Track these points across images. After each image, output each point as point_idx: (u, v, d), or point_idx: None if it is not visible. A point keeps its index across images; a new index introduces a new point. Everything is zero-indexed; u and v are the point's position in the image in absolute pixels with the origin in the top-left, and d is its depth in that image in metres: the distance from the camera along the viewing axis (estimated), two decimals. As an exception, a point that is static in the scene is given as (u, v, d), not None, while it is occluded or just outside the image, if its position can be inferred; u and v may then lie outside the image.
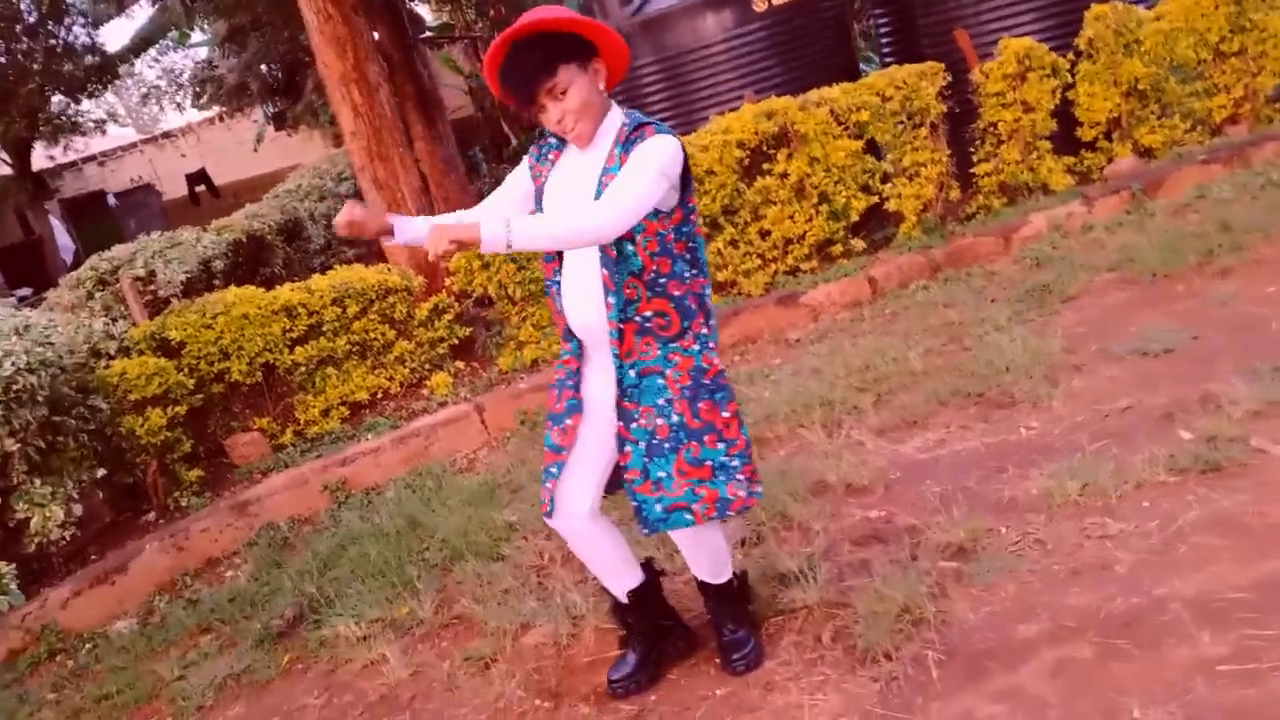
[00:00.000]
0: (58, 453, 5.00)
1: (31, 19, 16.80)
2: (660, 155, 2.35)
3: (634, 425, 2.55)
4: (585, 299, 2.52)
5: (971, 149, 6.85)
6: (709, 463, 2.55)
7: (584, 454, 2.65)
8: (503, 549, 3.92)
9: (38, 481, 4.64)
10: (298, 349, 5.72)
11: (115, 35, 27.60)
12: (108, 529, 5.22)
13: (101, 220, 22.84)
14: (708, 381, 2.57)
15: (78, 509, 4.89)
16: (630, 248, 2.45)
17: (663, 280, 2.49)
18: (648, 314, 2.51)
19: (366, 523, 4.53)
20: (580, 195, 2.46)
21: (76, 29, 17.45)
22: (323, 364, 5.82)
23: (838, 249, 6.47)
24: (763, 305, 5.75)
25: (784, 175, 6.30)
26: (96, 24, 17.49)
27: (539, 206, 2.57)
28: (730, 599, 2.84)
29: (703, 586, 2.83)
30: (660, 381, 2.53)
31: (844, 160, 6.35)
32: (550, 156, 2.58)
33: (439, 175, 10.58)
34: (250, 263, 9.19)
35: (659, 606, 2.89)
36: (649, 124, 2.44)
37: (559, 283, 2.58)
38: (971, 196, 6.88)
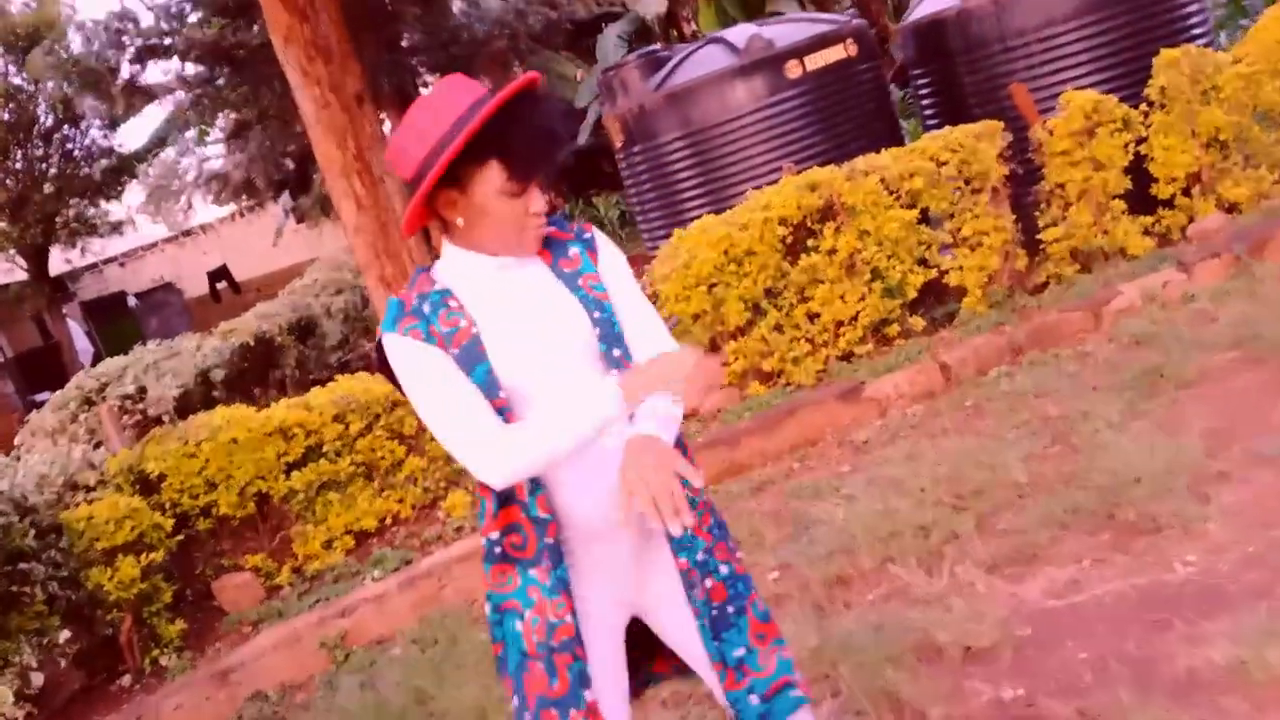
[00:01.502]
0: (18, 609, 4.33)
1: (47, 123, 16.73)
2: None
3: (693, 594, 1.85)
4: (600, 476, 1.76)
5: (1037, 213, 6.17)
6: (772, 617, 1.92)
7: (610, 692, 1.88)
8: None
9: (-15, 654, 3.96)
10: (295, 474, 5.05)
11: (132, 135, 27.85)
12: (77, 698, 4.51)
13: (122, 321, 22.64)
14: (718, 515, 1.97)
15: (38, 679, 4.20)
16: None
17: None
18: None
19: (367, 693, 3.79)
20: (562, 321, 1.80)
21: (93, 132, 17.37)
22: (324, 489, 5.13)
23: (894, 329, 5.77)
24: (822, 400, 5.02)
25: (832, 251, 5.64)
26: (112, 126, 17.39)
27: (480, 356, 1.73)
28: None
29: None
30: (689, 531, 1.84)
31: (897, 232, 5.68)
32: (449, 304, 1.76)
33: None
34: (259, 367, 8.64)
35: None
36: (558, 220, 1.90)
37: (531, 481, 1.77)
38: (1040, 265, 6.16)
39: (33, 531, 4.44)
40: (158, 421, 6.28)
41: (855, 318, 5.67)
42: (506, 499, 1.77)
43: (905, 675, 2.79)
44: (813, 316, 5.68)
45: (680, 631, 1.90)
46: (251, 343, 8.45)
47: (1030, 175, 6.20)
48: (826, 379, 5.46)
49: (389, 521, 5.31)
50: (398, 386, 1.78)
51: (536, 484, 1.75)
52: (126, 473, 4.91)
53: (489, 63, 11.28)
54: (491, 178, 1.70)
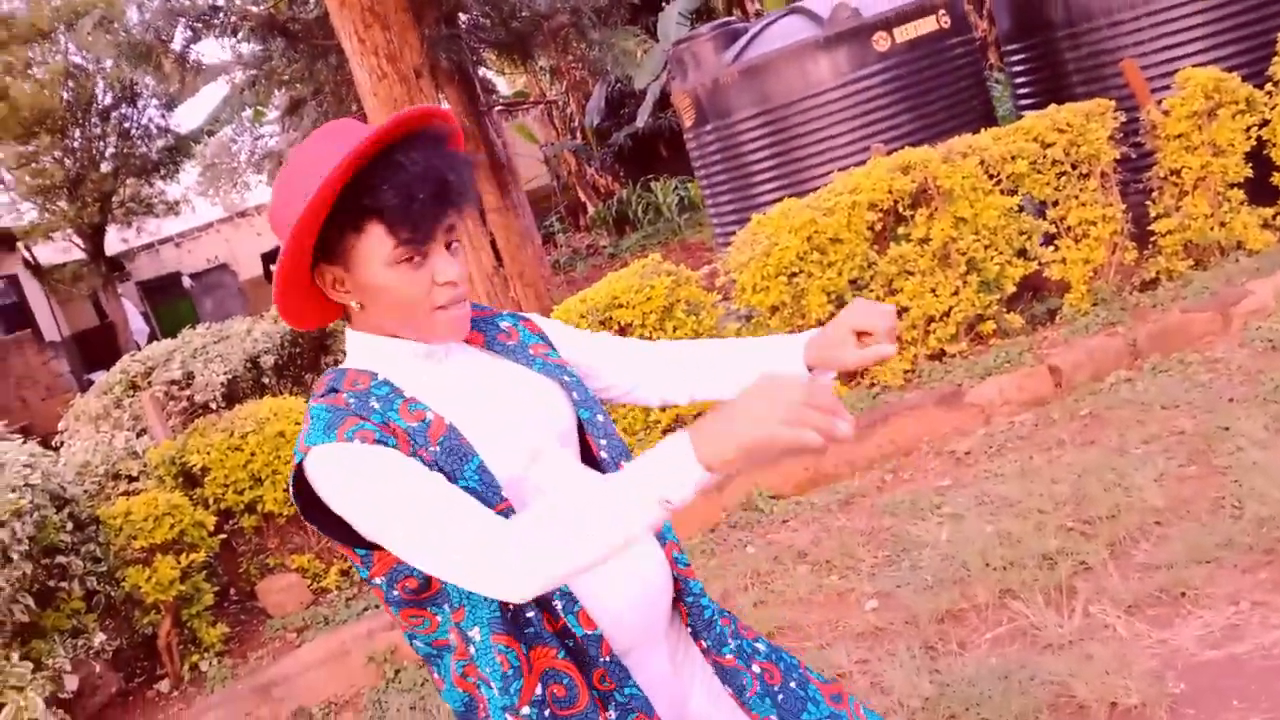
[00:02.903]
0: (53, 607, 4.07)
1: (105, 101, 16.70)
2: None
3: (747, 695, 1.45)
4: (618, 566, 1.36)
5: (1148, 202, 5.65)
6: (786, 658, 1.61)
7: None
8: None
9: (15, 657, 3.69)
10: (345, 469, 4.73)
11: (189, 115, 27.97)
12: (113, 703, 4.25)
13: (177, 302, 22.77)
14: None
15: (72, 682, 3.93)
16: (608, 416, 1.54)
17: None
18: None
19: (418, 716, 3.45)
20: (530, 390, 1.42)
21: (150, 111, 17.32)
22: (375, 485, 4.81)
23: (989, 326, 5.30)
24: (918, 405, 4.58)
25: (924, 240, 5.18)
26: (169, 106, 17.33)
27: (468, 451, 1.29)
28: None
29: None
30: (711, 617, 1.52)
31: (996, 220, 5.21)
32: (397, 405, 1.31)
33: (514, 249, 9.71)
34: (311, 352, 8.36)
35: None
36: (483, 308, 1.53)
37: (563, 593, 1.34)
38: (1150, 259, 5.64)
39: (71, 524, 4.18)
40: (205, 408, 6.02)
41: (948, 313, 5.22)
42: (534, 638, 1.30)
43: (1042, 736, 2.38)
44: (901, 311, 5.23)
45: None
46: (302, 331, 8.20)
47: (1141, 161, 5.68)
48: (915, 380, 5.02)
49: (443, 522, 4.98)
50: (325, 528, 1.30)
51: (571, 598, 1.31)
52: (168, 465, 4.64)
53: (549, 40, 10.93)
54: (374, 246, 1.28)
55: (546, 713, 1.29)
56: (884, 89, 6.16)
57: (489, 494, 1.27)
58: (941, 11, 6.38)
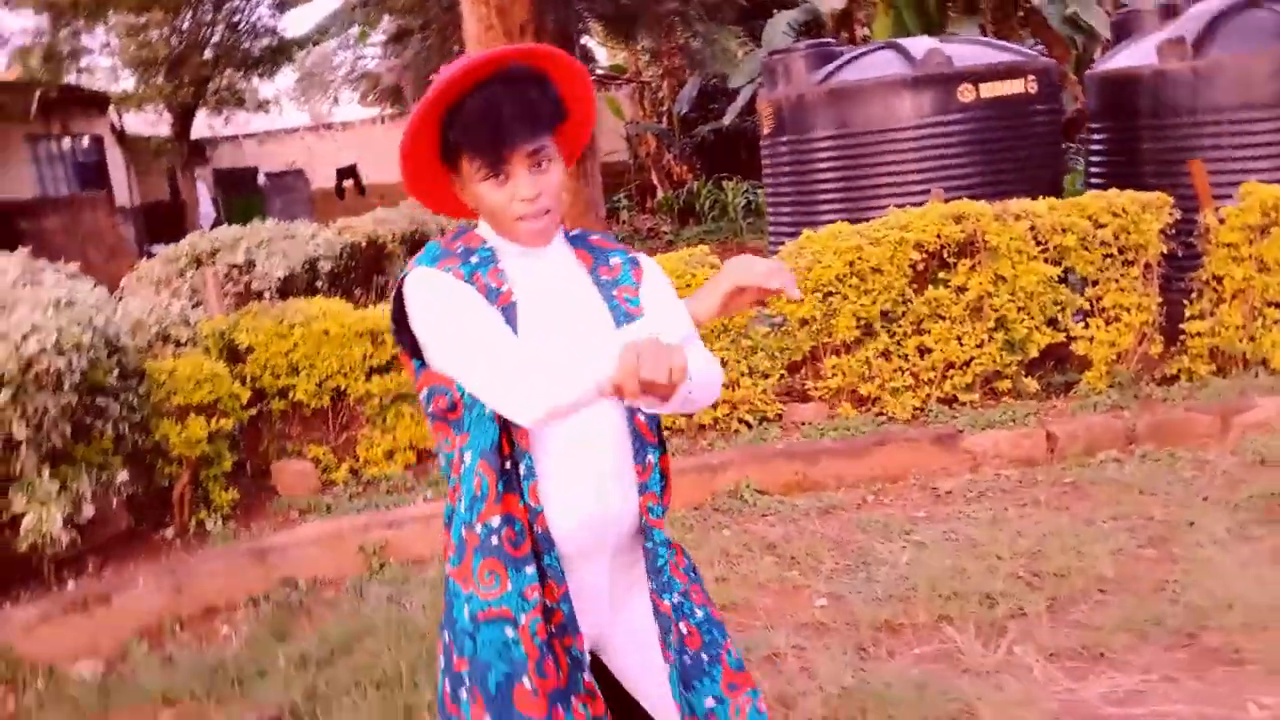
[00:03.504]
0: (86, 441, 4.41)
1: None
2: None
3: (669, 639, 1.71)
4: (595, 481, 1.65)
5: (1185, 301, 5.79)
6: (744, 665, 1.78)
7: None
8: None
9: (46, 475, 4.04)
10: (375, 379, 5.05)
11: (297, 22, 28.49)
12: (121, 537, 4.60)
13: (248, 195, 23.28)
14: (689, 558, 1.84)
15: (89, 510, 4.26)
16: None
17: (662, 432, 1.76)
18: (658, 476, 1.72)
19: (392, 608, 3.76)
20: (590, 320, 1.67)
21: (262, 9, 17.78)
22: (399, 400, 5.12)
23: (1005, 384, 5.49)
24: (915, 440, 4.81)
25: (961, 289, 5.39)
26: (280, 8, 17.78)
27: (513, 326, 1.62)
28: None
29: None
30: (661, 562, 1.74)
31: (1034, 286, 5.40)
32: (492, 268, 1.65)
33: (578, 215, 9.97)
34: (366, 268, 8.71)
35: None
36: (595, 234, 1.81)
37: (528, 467, 1.60)
38: (1174, 356, 5.80)
39: (117, 371, 4.52)
40: (258, 297, 6.37)
41: (968, 363, 5.42)
42: (509, 482, 1.60)
43: (938, 744, 2.62)
44: (924, 351, 5.44)
45: (645, 676, 1.75)
46: (363, 243, 8.52)
47: (1187, 260, 5.83)
48: (923, 418, 5.24)
49: (452, 448, 5.29)
50: (402, 340, 1.66)
51: (531, 471, 1.60)
52: (217, 337, 4.98)
53: (654, 21, 11.14)
54: (468, 166, 1.62)
55: (494, 541, 1.60)
56: (958, 138, 6.36)
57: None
58: (1032, 77, 6.56)
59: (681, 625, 1.73)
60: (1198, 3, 7.23)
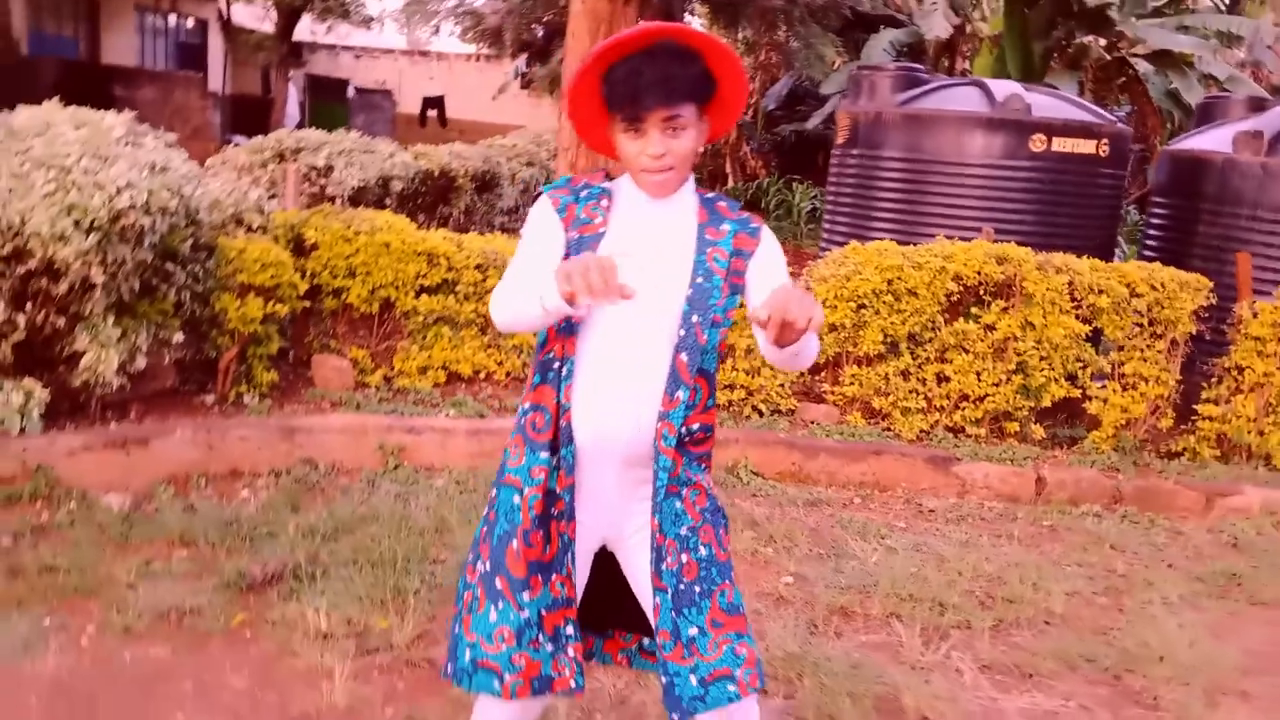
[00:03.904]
0: (152, 300, 4.76)
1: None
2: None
3: (663, 567, 1.97)
4: (630, 405, 1.92)
5: (1204, 384, 5.95)
6: (742, 611, 2.01)
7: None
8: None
9: (110, 320, 4.39)
10: (423, 297, 5.36)
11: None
12: (165, 394, 4.96)
13: (335, 105, 23.75)
14: (718, 504, 2.06)
15: (141, 362, 4.62)
16: (718, 339, 1.94)
17: (713, 388, 2.02)
18: (695, 426, 1.97)
19: (400, 504, 4.08)
20: (670, 264, 1.95)
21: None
22: (440, 322, 5.44)
23: (1014, 426, 5.69)
24: (910, 455, 5.04)
25: (990, 328, 5.58)
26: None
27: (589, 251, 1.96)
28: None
29: None
30: (678, 505, 1.98)
31: (1061, 339, 5.58)
32: (602, 203, 1.97)
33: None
34: (434, 196, 9.04)
35: None
36: (723, 201, 2.06)
37: (569, 370, 1.92)
38: (1182, 434, 5.97)
39: (190, 242, 4.85)
40: (330, 200, 6.71)
41: (982, 398, 5.62)
42: (546, 376, 1.94)
43: (857, 713, 2.88)
44: (942, 379, 5.65)
45: (644, 582, 2.01)
46: (436, 173, 8.84)
47: (1215, 345, 5.98)
48: (925, 441, 5.46)
49: (482, 376, 5.59)
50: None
51: (570, 374, 1.91)
52: (287, 229, 5.30)
53: (758, 14, 11.30)
54: (617, 119, 1.91)
55: (524, 421, 1.97)
56: (1021, 184, 6.52)
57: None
58: (1105, 140, 6.69)
59: (683, 556, 1.97)
60: (1287, 102, 7.31)
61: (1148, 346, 5.72)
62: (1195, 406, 5.88)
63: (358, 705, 2.79)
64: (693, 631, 1.95)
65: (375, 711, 2.77)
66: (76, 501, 3.91)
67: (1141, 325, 5.71)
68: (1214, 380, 5.90)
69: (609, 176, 2.02)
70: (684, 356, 1.91)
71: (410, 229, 5.46)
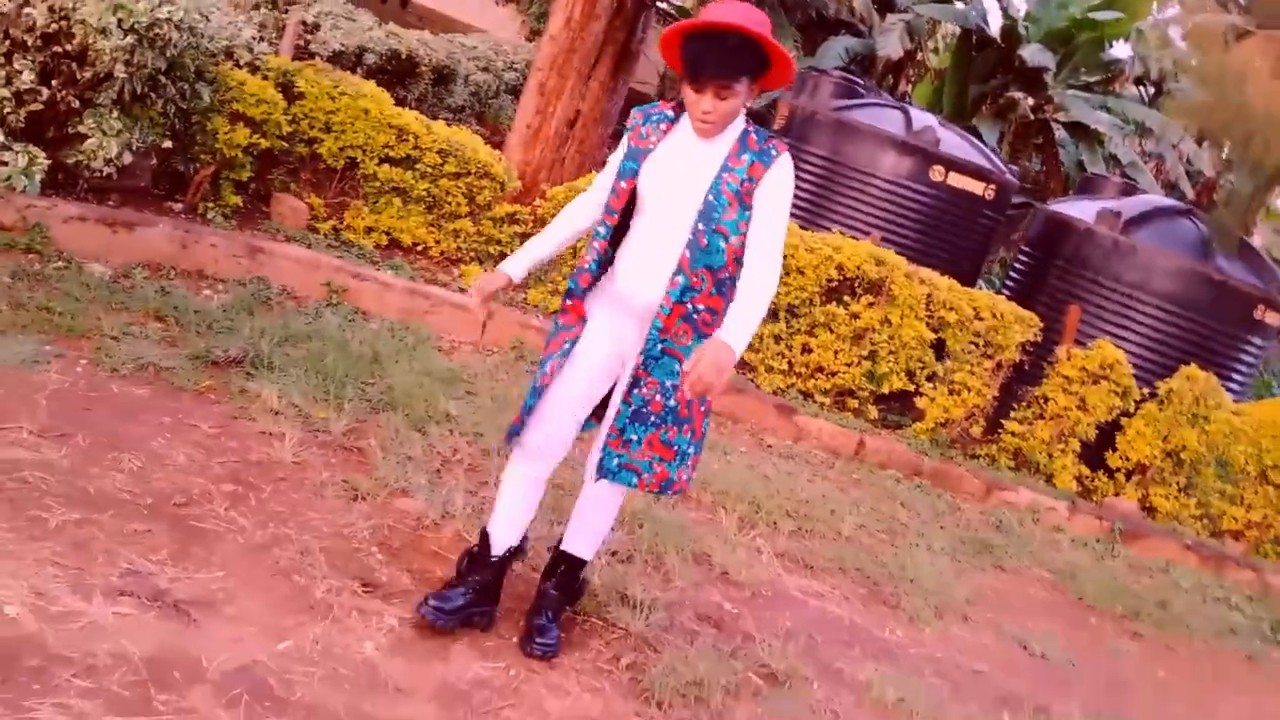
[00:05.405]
0: (145, 105, 5.27)
1: None
2: (791, 190, 2.76)
3: (636, 391, 2.79)
4: (648, 276, 2.75)
5: (1015, 405, 7.10)
6: (676, 447, 2.85)
7: (580, 395, 2.89)
8: (429, 427, 4.16)
9: (116, 114, 4.91)
10: (385, 166, 5.99)
11: None
12: (138, 192, 5.49)
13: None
14: (707, 404, 2.87)
15: (128, 158, 5.14)
16: (721, 244, 2.69)
17: (730, 282, 2.74)
18: (700, 306, 2.74)
19: (340, 332, 4.78)
20: (692, 182, 2.71)
21: None
22: (394, 192, 6.08)
23: (854, 403, 6.72)
24: (764, 401, 6.01)
25: (855, 316, 6.57)
26: None
27: (634, 171, 2.75)
28: (574, 581, 3.06)
29: (561, 558, 3.04)
30: (676, 366, 2.78)
31: (910, 339, 6.61)
32: (662, 126, 2.77)
33: (590, 122, 10.80)
34: (395, 77, 9.50)
35: (500, 576, 2.99)
36: (773, 138, 2.75)
37: (611, 256, 2.85)
38: (987, 442, 7.12)
39: (194, 67, 5.36)
40: (311, 56, 7.19)
41: (834, 374, 6.62)
42: (612, 239, 2.84)
43: (678, 557, 3.79)
44: (805, 349, 6.63)
45: (622, 390, 2.85)
46: (404, 54, 9.30)
47: (1033, 375, 7.12)
48: (780, 395, 6.43)
49: (419, 249, 6.28)
50: None
51: (621, 240, 2.84)
52: (279, 74, 5.83)
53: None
54: (684, 77, 2.67)
55: (582, 267, 2.87)
56: (915, 204, 7.53)
57: (622, 178, 2.80)
58: (993, 186, 7.76)
59: (657, 396, 2.79)
60: (1148, 196, 8.52)
61: (977, 363, 6.82)
62: (1003, 422, 7.03)
63: (303, 464, 3.54)
64: (633, 437, 2.81)
65: (317, 472, 3.52)
66: (64, 262, 4.48)
67: (977, 344, 6.80)
68: (1024, 404, 7.05)
69: (680, 107, 2.78)
70: (688, 253, 2.71)
71: (389, 102, 6.07)
